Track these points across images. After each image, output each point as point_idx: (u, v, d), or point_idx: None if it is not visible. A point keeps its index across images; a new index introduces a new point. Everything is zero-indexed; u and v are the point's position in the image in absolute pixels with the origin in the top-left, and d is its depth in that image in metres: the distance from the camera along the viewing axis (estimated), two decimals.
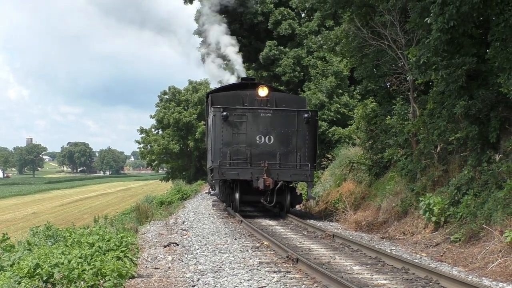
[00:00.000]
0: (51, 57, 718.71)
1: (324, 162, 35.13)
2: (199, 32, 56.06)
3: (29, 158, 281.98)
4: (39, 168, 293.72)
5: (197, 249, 16.04)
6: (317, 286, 11.62)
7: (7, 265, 12.22)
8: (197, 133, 71.17)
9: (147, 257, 15.13)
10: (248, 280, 11.95)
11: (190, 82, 79.61)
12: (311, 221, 23.27)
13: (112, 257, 12.04)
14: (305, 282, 11.93)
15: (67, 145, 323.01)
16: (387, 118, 23.48)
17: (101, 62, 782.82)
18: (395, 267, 13.51)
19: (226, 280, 12.02)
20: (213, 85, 48.13)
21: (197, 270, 13.03)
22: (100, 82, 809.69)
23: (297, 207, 29.38)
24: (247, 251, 15.74)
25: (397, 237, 18.96)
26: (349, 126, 36.04)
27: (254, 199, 25.07)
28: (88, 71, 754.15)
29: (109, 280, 10.61)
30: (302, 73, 47.49)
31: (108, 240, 14.27)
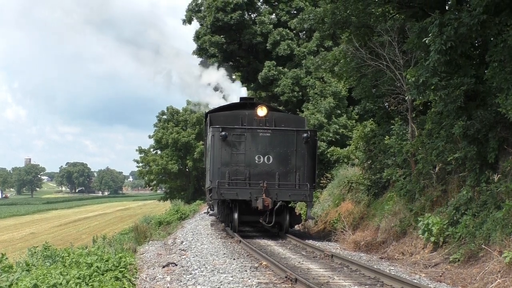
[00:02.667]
0: (49, 77, 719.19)
1: (323, 181, 35.12)
2: (198, 52, 56.31)
3: (27, 178, 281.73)
4: (38, 189, 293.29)
5: (196, 269, 15.98)
6: None
7: (5, 285, 12.19)
8: (195, 153, 71.21)
9: (146, 278, 15.08)
10: None
11: (188, 102, 79.71)
12: (310, 241, 23.22)
13: (111, 278, 12.02)
14: None
15: (65, 165, 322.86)
16: (385, 138, 23.53)
17: (98, 82, 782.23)
18: None
19: None
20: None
21: None
22: (97, 102, 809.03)
23: (296, 227, 29.32)
24: (246, 271, 15.70)
25: (396, 257, 18.92)
26: (348, 147, 36.06)
27: (253, 219, 24.97)
28: (85, 91, 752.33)
29: None
30: (300, 93, 47.59)
31: (107, 261, 14.26)
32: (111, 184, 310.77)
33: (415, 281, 14.23)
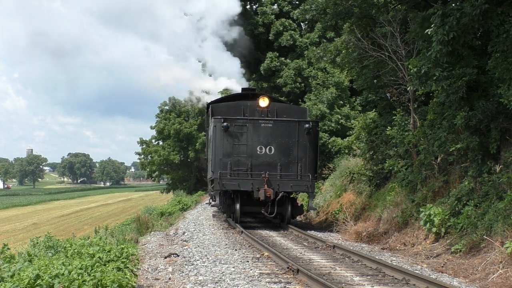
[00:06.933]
0: (48, 67, 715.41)
1: (325, 172, 35.13)
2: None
3: (29, 169, 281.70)
4: (40, 179, 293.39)
5: (198, 260, 16.02)
6: None
7: (8, 276, 12.18)
8: (197, 143, 71.14)
9: (148, 268, 15.11)
10: None
11: (191, 93, 79.46)
12: (312, 232, 23.25)
13: (113, 268, 12.01)
14: None
15: (67, 156, 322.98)
16: (387, 129, 23.51)
17: (98, 72, 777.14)
18: (396, 278, 13.50)
19: None
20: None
21: (198, 281, 13.01)
22: (98, 92, 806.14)
23: (298, 218, 29.34)
24: (248, 262, 15.73)
25: (397, 248, 18.94)
26: (348, 137, 36.04)
27: (255, 210, 25.00)
28: (85, 82, 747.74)
29: None
30: (303, 84, 47.53)
31: (109, 251, 14.25)
32: (112, 175, 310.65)
33: (416, 271, 14.24)
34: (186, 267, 15.06)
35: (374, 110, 28.56)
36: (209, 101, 31.57)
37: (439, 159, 19.86)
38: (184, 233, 23.61)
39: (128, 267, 12.81)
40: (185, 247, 19.00)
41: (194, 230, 24.22)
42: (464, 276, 14.12)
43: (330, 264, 15.71)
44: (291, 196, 25.43)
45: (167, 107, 78.94)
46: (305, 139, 24.37)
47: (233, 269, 14.49)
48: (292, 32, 49.27)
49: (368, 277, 13.81)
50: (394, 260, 16.70)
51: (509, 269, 13.27)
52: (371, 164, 26.03)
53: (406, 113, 22.85)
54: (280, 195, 23.80)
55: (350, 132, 37.01)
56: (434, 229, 17.51)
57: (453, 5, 16.21)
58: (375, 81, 25.37)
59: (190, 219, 30.65)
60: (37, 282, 10.66)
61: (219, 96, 44.51)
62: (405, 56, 21.21)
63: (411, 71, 18.46)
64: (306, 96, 43.71)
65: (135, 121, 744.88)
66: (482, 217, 15.83)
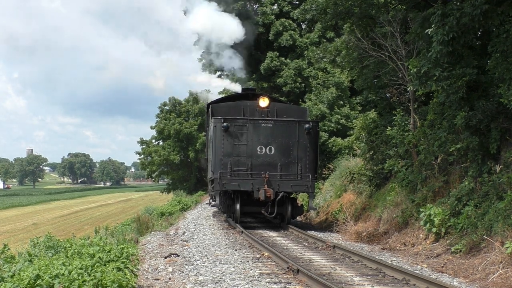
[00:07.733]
0: (49, 67, 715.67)
1: (325, 172, 35.12)
2: (199, 43, 56.10)
3: (29, 169, 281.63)
4: (40, 179, 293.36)
5: (198, 260, 16.02)
6: None
7: (8, 276, 12.18)
8: (197, 144, 71.14)
9: (148, 268, 15.11)
10: None
11: (191, 93, 79.48)
12: (312, 232, 23.25)
13: (113, 268, 12.01)
14: None
15: (67, 156, 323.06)
16: (387, 129, 23.50)
17: (98, 72, 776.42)
18: (396, 278, 13.50)
19: None
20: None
21: (198, 281, 13.01)
22: (97, 93, 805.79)
23: (298, 218, 29.33)
24: (248, 262, 15.72)
25: (397, 248, 18.94)
26: (349, 137, 36.04)
27: (255, 210, 25.00)
28: (84, 82, 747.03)
29: None
30: (303, 84, 47.51)
31: (109, 251, 14.25)
32: (113, 175, 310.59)
33: (417, 272, 14.24)
34: (186, 267, 15.06)
35: (374, 110, 28.56)
36: (209, 101, 31.57)
37: (439, 159, 19.86)
38: (184, 233, 23.61)
39: (128, 267, 12.81)
40: (185, 247, 18.99)
41: (194, 230, 24.21)
42: (464, 276, 14.12)
43: (330, 264, 15.71)
44: (291, 196, 25.42)
45: (167, 107, 78.92)
46: (305, 139, 24.37)
47: (233, 269, 14.49)
48: (292, 32, 49.21)
49: (368, 277, 13.81)
50: (394, 260, 16.70)
51: (509, 269, 13.28)
52: (371, 164, 26.02)
53: (406, 113, 22.85)
54: (280, 195, 23.80)
55: (350, 132, 37.02)
56: (434, 229, 17.51)
57: (453, 5, 16.22)
58: (375, 81, 25.37)
59: (190, 219, 30.65)
60: (37, 282, 10.66)
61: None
62: (405, 56, 21.21)
63: (411, 71, 18.46)
64: (306, 96, 43.69)
65: (135, 121, 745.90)
66: (482, 217, 15.83)
